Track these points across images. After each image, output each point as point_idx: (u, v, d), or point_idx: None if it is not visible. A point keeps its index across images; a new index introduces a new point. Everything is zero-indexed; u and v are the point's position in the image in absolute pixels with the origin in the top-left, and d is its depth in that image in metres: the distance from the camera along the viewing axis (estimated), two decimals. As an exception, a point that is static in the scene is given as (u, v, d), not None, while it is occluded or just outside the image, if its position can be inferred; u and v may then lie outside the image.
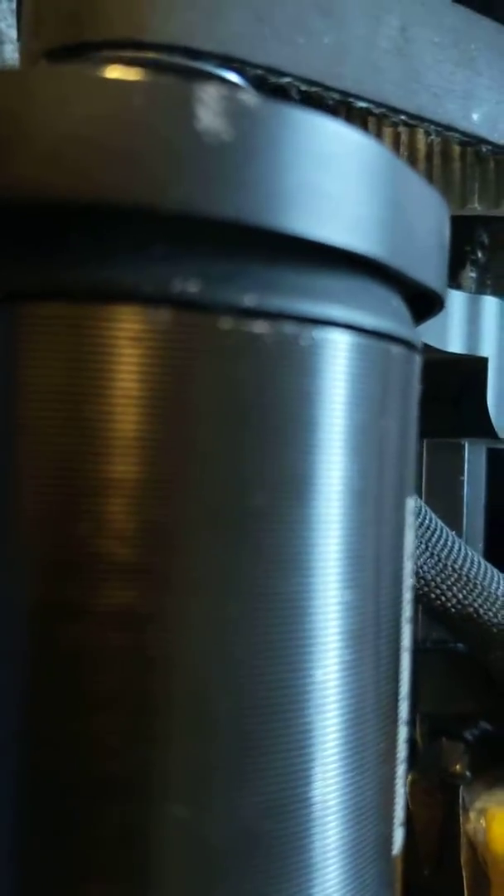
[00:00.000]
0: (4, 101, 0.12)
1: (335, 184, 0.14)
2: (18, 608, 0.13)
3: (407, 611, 0.17)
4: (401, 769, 0.17)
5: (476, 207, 0.24)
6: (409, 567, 0.17)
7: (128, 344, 0.13)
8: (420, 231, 0.16)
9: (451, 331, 0.27)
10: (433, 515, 0.27)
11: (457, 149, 0.23)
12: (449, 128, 0.20)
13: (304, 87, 0.17)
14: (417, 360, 0.17)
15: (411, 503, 0.17)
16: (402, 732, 0.17)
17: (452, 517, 0.31)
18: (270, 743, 0.14)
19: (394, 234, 0.15)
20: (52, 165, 0.12)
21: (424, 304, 0.18)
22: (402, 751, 0.17)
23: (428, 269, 0.17)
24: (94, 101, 0.13)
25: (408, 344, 0.16)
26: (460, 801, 0.29)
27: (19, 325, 0.13)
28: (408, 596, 0.17)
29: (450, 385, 0.28)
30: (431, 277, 0.17)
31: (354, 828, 0.15)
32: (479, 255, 0.32)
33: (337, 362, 0.14)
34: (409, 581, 0.17)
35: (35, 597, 0.13)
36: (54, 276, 0.13)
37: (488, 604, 0.28)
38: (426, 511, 0.27)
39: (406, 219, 0.16)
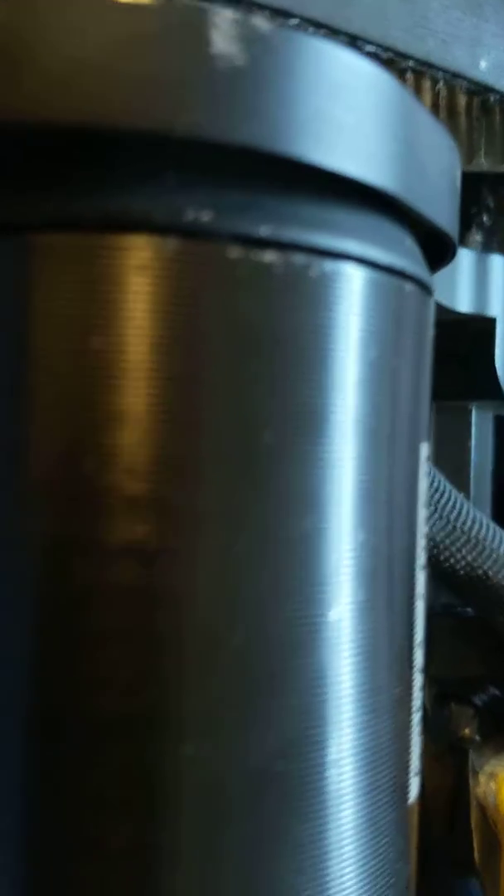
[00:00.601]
0: (15, 25, 0.12)
1: (349, 114, 0.14)
2: (28, 544, 0.13)
3: (421, 557, 0.17)
4: (416, 717, 0.17)
5: (482, 163, 0.24)
6: (422, 514, 0.17)
7: (138, 274, 0.13)
8: (432, 170, 0.16)
9: (459, 290, 0.27)
10: (442, 477, 0.27)
11: (462, 102, 0.23)
12: (456, 75, 0.20)
13: (311, 30, 0.17)
14: (431, 303, 0.17)
15: (425, 449, 0.17)
16: (418, 680, 0.17)
17: (460, 482, 0.31)
18: (282, 682, 0.14)
19: (407, 171, 0.15)
20: (62, 90, 0.12)
21: (436, 250, 0.18)
22: (417, 698, 0.17)
23: (441, 209, 0.16)
24: (105, 25, 0.12)
25: (422, 285, 0.16)
26: (470, 764, 0.29)
27: (29, 255, 0.13)
28: (422, 543, 0.17)
29: (458, 347, 0.28)
30: (444, 219, 0.17)
31: (369, 772, 0.15)
32: (485, 218, 0.31)
33: (349, 296, 0.14)
34: (423, 528, 0.17)
35: (45, 532, 0.13)
36: (65, 205, 0.13)
37: (497, 566, 0.27)
38: (434, 472, 0.27)
39: (419, 156, 0.15)
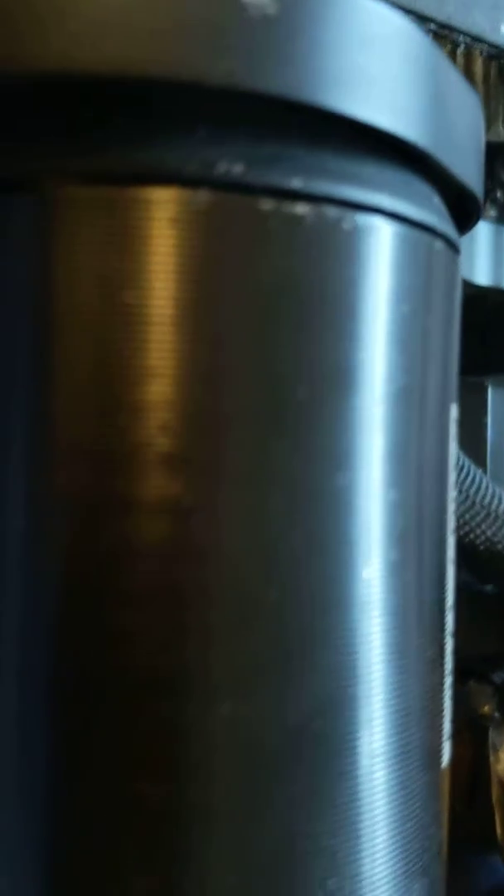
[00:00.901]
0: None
1: (381, 66, 0.14)
2: (60, 500, 0.13)
3: (451, 521, 0.17)
4: (448, 681, 0.17)
5: (501, 131, 0.23)
6: (452, 477, 0.17)
7: (169, 226, 0.13)
8: (460, 128, 0.16)
9: (478, 262, 0.27)
10: (460, 452, 0.27)
11: (479, 71, 0.23)
12: (477, 38, 0.20)
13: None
14: (459, 262, 0.17)
15: (454, 411, 0.17)
16: (450, 643, 0.17)
17: (476, 458, 0.31)
18: (317, 639, 0.14)
19: (437, 127, 0.15)
20: (95, 40, 0.12)
21: (462, 211, 0.18)
22: (449, 662, 0.17)
23: (468, 168, 0.16)
24: (136, -27, 0.12)
25: (450, 244, 0.16)
26: (490, 741, 0.29)
27: (57, 209, 0.13)
28: (451, 506, 0.17)
29: (475, 321, 0.28)
30: (471, 177, 0.16)
31: (402, 733, 0.15)
32: (499, 194, 0.31)
33: (381, 250, 0.14)
34: (452, 491, 0.17)
35: (77, 489, 0.13)
36: (95, 158, 0.13)
37: (517, 541, 0.27)
38: (453, 447, 0.27)
39: (448, 113, 0.15)
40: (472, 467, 0.28)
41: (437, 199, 0.16)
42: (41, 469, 0.13)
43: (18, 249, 0.13)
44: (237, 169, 0.13)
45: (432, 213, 0.15)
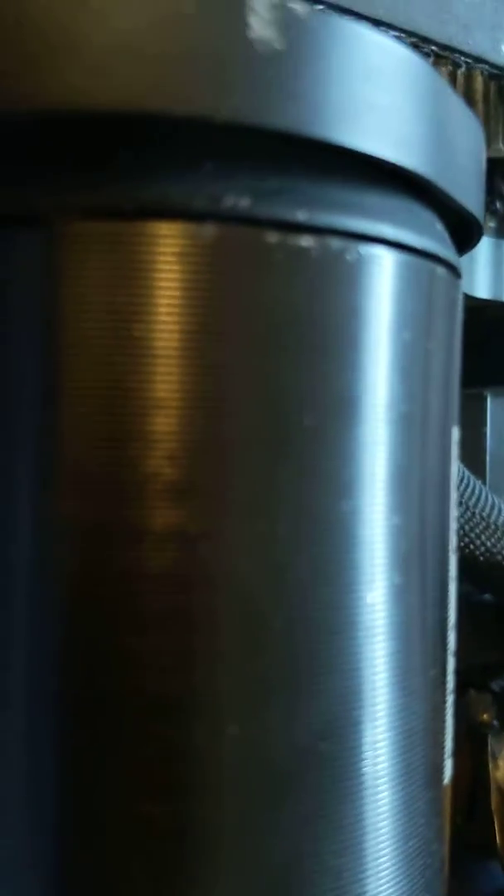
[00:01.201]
0: (54, 11, 0.12)
1: (384, 97, 0.14)
2: (70, 529, 0.13)
3: (452, 540, 0.17)
4: (450, 699, 0.17)
5: (501, 148, 0.24)
6: (454, 497, 0.17)
7: (177, 260, 0.13)
8: (461, 153, 0.16)
9: (477, 276, 0.27)
10: (459, 463, 0.27)
11: (479, 89, 0.23)
12: (478, 59, 0.20)
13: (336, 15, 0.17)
14: (460, 286, 0.17)
15: (456, 433, 0.17)
16: (451, 662, 0.17)
17: (476, 469, 0.31)
18: (323, 663, 0.14)
19: (439, 154, 0.15)
20: (102, 76, 0.12)
21: (463, 234, 0.18)
22: (451, 681, 0.17)
23: (469, 193, 0.17)
24: (145, 10, 0.12)
25: (452, 268, 0.16)
26: (489, 750, 0.29)
27: (65, 244, 0.13)
28: (453, 526, 0.17)
29: (474, 333, 0.28)
30: (472, 202, 0.17)
31: (406, 753, 0.15)
32: (499, 205, 0.31)
33: (383, 279, 0.14)
34: (454, 511, 0.17)
35: (87, 518, 0.13)
36: (104, 193, 0.13)
37: (516, 551, 0.27)
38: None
39: (449, 140, 0.16)
40: (472, 478, 0.28)
41: (439, 226, 0.16)
42: (50, 497, 0.13)
43: (26, 284, 0.13)
44: (243, 203, 0.13)
45: (434, 240, 0.15)
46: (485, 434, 0.31)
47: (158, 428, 0.13)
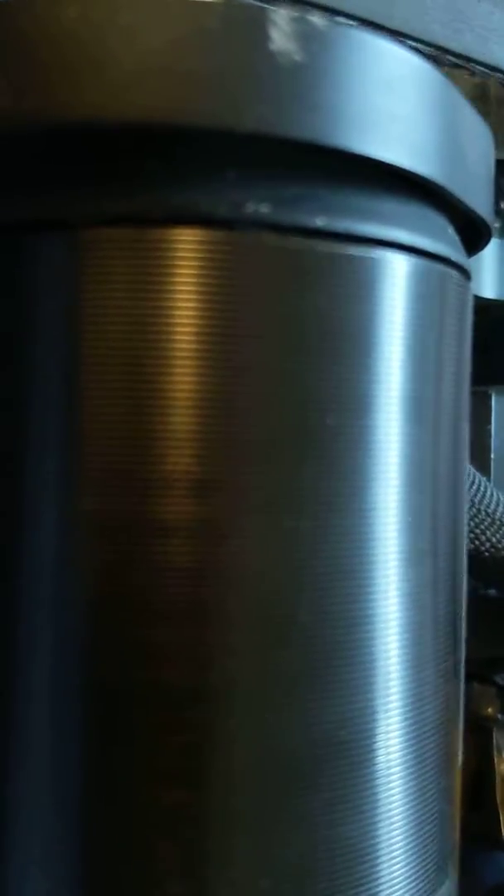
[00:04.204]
0: (83, 30, 0.13)
1: (401, 107, 0.14)
2: (93, 524, 0.14)
3: (464, 538, 0.18)
4: (462, 688, 0.18)
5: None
6: (464, 492, 0.18)
7: (201, 265, 0.13)
8: (472, 159, 0.17)
9: (484, 275, 0.27)
10: (465, 461, 0.28)
11: (492, 94, 0.23)
12: (494, 69, 0.20)
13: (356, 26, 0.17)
14: (470, 288, 0.17)
15: (466, 431, 0.18)
16: (462, 652, 0.18)
17: (480, 466, 0.31)
18: (342, 655, 0.14)
19: (451, 161, 0.16)
20: (130, 90, 0.13)
21: (472, 236, 0.18)
22: (461, 671, 0.18)
23: (479, 197, 0.17)
24: (170, 25, 0.13)
25: (463, 271, 0.17)
26: (493, 743, 0.30)
27: (93, 249, 0.13)
28: (465, 523, 0.18)
29: (478, 332, 0.29)
30: (482, 206, 0.17)
31: (419, 741, 0.16)
32: (501, 204, 0.32)
33: (397, 282, 0.15)
34: (465, 506, 0.18)
35: (109, 513, 0.14)
36: (128, 200, 0.13)
37: (521, 547, 0.28)
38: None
39: (461, 146, 0.16)
40: (476, 474, 0.28)
41: (450, 230, 0.16)
42: (74, 494, 0.14)
43: (54, 288, 0.14)
44: (264, 209, 0.13)
45: (447, 244, 0.16)
46: (489, 432, 0.32)
47: (182, 427, 0.14)
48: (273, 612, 0.14)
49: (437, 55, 0.19)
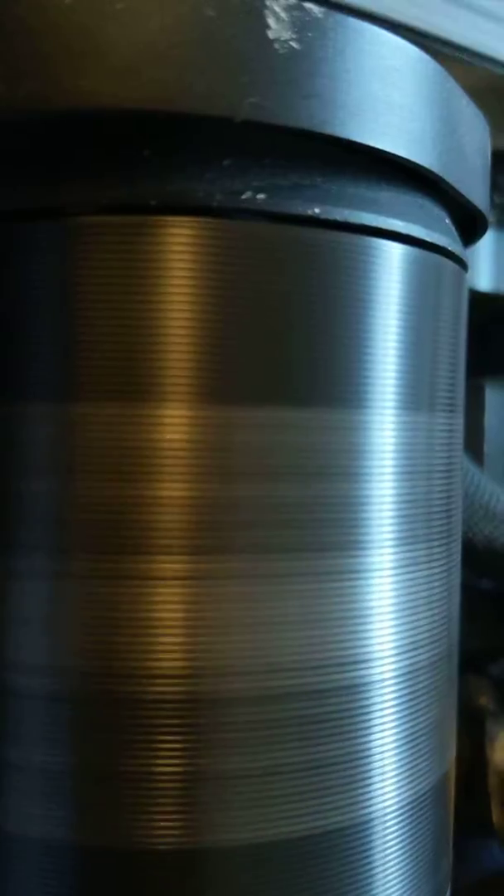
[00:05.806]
0: (80, 16, 0.13)
1: (397, 96, 0.14)
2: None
3: (458, 530, 0.18)
4: (455, 676, 0.18)
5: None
6: (459, 486, 0.18)
7: (196, 252, 0.13)
8: (469, 150, 0.17)
9: (479, 267, 0.27)
10: (460, 452, 0.28)
11: (483, 84, 0.23)
12: (484, 58, 0.20)
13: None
14: (466, 279, 0.17)
15: (461, 421, 0.18)
16: (456, 644, 0.18)
17: (475, 458, 0.31)
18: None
19: (448, 151, 0.16)
20: (127, 78, 0.13)
21: (468, 227, 0.18)
22: (455, 660, 0.18)
23: (475, 188, 0.17)
24: (167, 14, 0.13)
25: (460, 262, 0.17)
26: (486, 732, 0.30)
27: (81, 237, 0.13)
28: (459, 515, 0.18)
29: (474, 324, 0.29)
30: (478, 197, 0.17)
31: (411, 717, 0.16)
32: (495, 197, 0.32)
33: (393, 272, 0.15)
34: (459, 500, 0.18)
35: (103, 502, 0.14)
36: (124, 188, 0.13)
37: (514, 538, 0.28)
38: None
39: (458, 137, 0.16)
40: (470, 466, 0.28)
41: (447, 220, 0.16)
42: (65, 479, 0.14)
43: (50, 275, 0.13)
44: (260, 198, 0.13)
45: (443, 234, 0.16)
46: (483, 424, 0.32)
47: (175, 413, 0.14)
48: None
49: (430, 44, 0.19)
